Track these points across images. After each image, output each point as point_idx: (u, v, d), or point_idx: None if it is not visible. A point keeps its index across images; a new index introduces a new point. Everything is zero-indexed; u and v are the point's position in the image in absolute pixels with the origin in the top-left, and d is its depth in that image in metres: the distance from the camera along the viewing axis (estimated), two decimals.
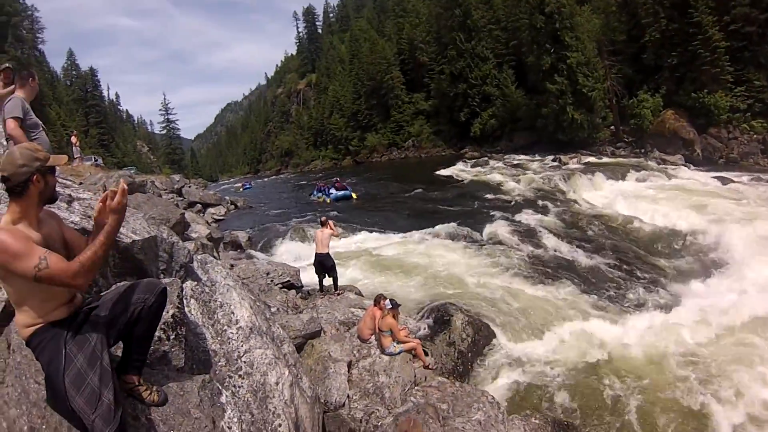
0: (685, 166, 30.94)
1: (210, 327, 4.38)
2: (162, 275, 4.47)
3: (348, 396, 7.32)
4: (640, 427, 7.64)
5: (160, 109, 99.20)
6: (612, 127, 40.99)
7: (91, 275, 2.48)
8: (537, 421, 7.27)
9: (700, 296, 12.32)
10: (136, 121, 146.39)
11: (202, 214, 26.49)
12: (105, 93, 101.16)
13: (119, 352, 2.96)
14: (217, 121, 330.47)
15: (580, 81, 39.11)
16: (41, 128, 5.92)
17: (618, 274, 14.39)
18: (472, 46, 52.75)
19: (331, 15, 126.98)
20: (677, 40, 36.53)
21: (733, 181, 25.11)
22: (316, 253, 11.61)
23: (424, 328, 10.16)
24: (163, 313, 3.26)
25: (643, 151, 36.17)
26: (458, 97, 53.80)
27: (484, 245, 16.44)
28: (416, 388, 7.75)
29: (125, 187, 2.60)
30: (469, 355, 9.48)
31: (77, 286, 2.46)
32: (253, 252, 17.77)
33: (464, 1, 53.86)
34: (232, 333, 4.50)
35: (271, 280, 11.94)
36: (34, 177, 2.47)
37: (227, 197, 35.51)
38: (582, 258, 15.47)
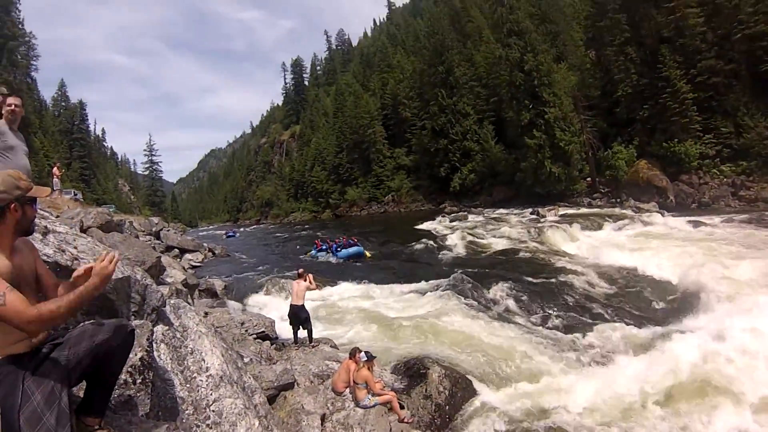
0: (659, 212, 31.19)
1: (179, 373, 4.29)
2: (133, 317, 4.38)
3: None
4: None
5: (145, 150, 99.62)
6: (588, 179, 41.86)
7: (47, 327, 2.39)
8: None
9: (678, 341, 11.76)
10: (119, 159, 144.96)
11: (179, 260, 26.15)
12: (92, 127, 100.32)
13: (82, 393, 2.83)
14: (200, 167, 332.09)
15: (557, 135, 40.22)
16: (22, 151, 5.80)
17: (596, 323, 14.13)
18: (454, 102, 54.16)
19: (318, 68, 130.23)
20: (648, 94, 38.37)
21: (705, 225, 25.60)
22: (291, 305, 11.48)
23: (400, 381, 9.96)
24: (131, 356, 3.24)
25: (618, 200, 36.92)
26: (439, 152, 54.70)
27: (462, 299, 16.08)
28: None
29: (118, 257, 2.55)
30: (447, 407, 9.23)
31: (29, 332, 2.36)
32: (228, 301, 17.27)
33: (447, 59, 55.99)
34: (201, 380, 4.41)
35: (246, 330, 11.68)
36: (12, 205, 2.41)
37: (206, 244, 34.95)
38: (561, 308, 15.36)
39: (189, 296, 13.98)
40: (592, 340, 12.78)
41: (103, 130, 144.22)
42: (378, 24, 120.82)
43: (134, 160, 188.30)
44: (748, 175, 33.30)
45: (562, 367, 10.95)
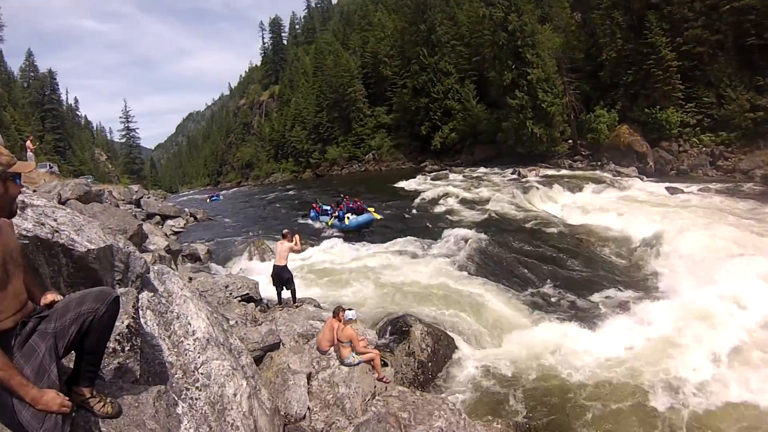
0: (638, 177, 31.85)
1: (166, 338, 4.34)
2: (117, 285, 4.34)
3: (309, 408, 7.23)
4: (600, 429, 7.91)
5: (121, 117, 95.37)
6: (570, 141, 41.96)
7: None
8: (499, 426, 7.53)
9: (648, 301, 12.64)
10: (94, 128, 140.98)
11: (160, 226, 25.84)
12: (63, 97, 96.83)
13: (72, 364, 2.80)
14: (178, 131, 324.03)
15: (540, 96, 39.98)
16: None
17: (573, 281, 14.68)
18: (435, 61, 53.25)
19: (297, 26, 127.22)
20: (632, 60, 38.16)
21: (683, 192, 26.13)
22: (274, 265, 11.53)
23: (384, 339, 10.21)
24: (118, 324, 3.27)
25: (599, 163, 37.21)
26: (420, 110, 54.07)
27: (442, 257, 16.56)
28: (377, 398, 7.76)
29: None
30: (430, 364, 9.61)
31: None
32: (212, 265, 17.48)
33: (429, 17, 54.75)
34: (188, 344, 4.47)
35: (230, 293, 11.66)
36: None
37: (187, 209, 34.22)
38: (539, 267, 15.77)
39: (172, 262, 14.49)
40: (570, 298, 13.39)
41: (75, 99, 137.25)
42: None
43: (110, 128, 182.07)
44: (727, 145, 33.59)
45: (543, 325, 11.44)
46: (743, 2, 33.71)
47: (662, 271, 15.12)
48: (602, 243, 18.58)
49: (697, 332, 10.44)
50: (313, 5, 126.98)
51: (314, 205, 26.96)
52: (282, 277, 11.43)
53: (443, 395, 8.50)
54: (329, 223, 23.89)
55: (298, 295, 11.88)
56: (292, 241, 11.72)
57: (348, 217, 22.74)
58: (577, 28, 45.85)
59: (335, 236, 21.54)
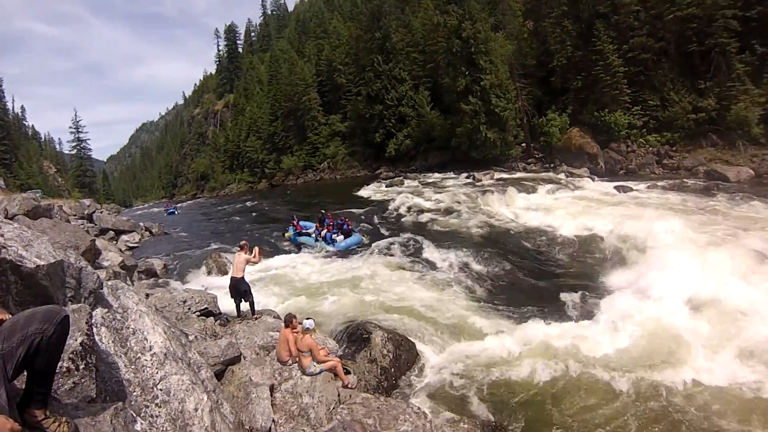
0: (590, 177, 32.94)
1: (123, 355, 4.28)
2: (69, 302, 4.21)
3: (273, 420, 7.18)
4: (561, 424, 8.12)
5: (71, 127, 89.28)
6: (523, 144, 42.74)
7: None
8: (466, 426, 7.63)
9: (605, 297, 13.02)
10: (43, 139, 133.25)
11: (114, 242, 25.66)
12: (9, 106, 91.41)
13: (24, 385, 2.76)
14: (131, 142, 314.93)
15: (493, 102, 40.33)
16: None
17: (531, 282, 15.19)
18: (390, 68, 53.17)
19: (252, 34, 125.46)
20: (582, 66, 39.56)
21: (632, 189, 27.26)
22: (231, 277, 11.60)
23: (345, 347, 10.37)
24: (71, 342, 3.25)
25: (552, 165, 38.38)
26: (374, 118, 53.75)
27: (400, 263, 16.87)
28: (341, 406, 7.82)
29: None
30: (392, 370, 9.76)
31: None
32: (169, 280, 17.39)
33: (384, 25, 54.75)
34: (146, 360, 4.43)
35: (189, 308, 11.56)
36: None
37: (142, 223, 33.43)
38: (496, 269, 16.18)
39: (128, 278, 14.50)
40: (528, 299, 13.76)
41: (22, 107, 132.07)
42: None
43: (59, 139, 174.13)
44: (671, 145, 35.79)
45: (502, 326, 11.65)
46: (685, 12, 35.68)
47: (615, 266, 15.64)
48: (557, 242, 19.06)
49: (654, 325, 10.75)
50: (269, 12, 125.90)
51: (294, 222, 23.49)
52: (239, 289, 11.43)
53: (408, 400, 8.69)
54: (318, 249, 20.71)
55: (258, 307, 11.93)
56: (250, 253, 11.65)
57: (336, 239, 20.68)
58: (529, 35, 46.89)
59: (292, 246, 21.54)
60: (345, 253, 19.25)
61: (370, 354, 9.88)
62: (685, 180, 29.48)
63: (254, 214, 36.53)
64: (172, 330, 5.27)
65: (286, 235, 23.47)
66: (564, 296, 13.59)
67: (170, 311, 10.80)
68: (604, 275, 15.23)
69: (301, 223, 23.67)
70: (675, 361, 9.43)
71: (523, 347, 10.37)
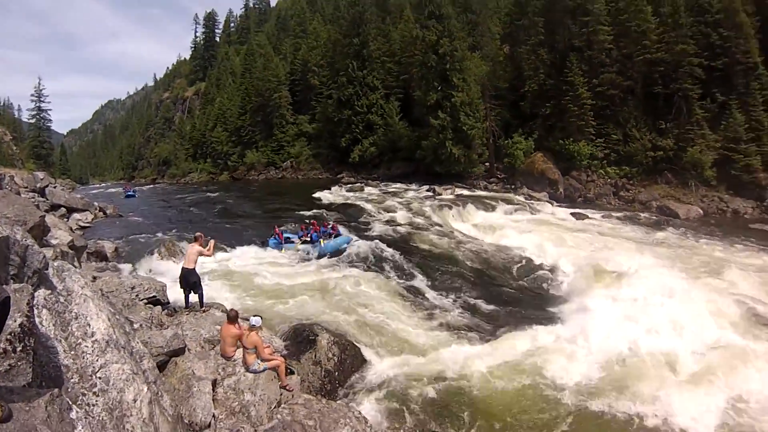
0: (549, 202, 33.73)
1: (63, 340, 4.18)
2: (12, 281, 4.04)
3: (213, 415, 7.07)
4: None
5: (32, 95, 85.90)
6: (487, 164, 43.22)
7: None
8: None
9: (547, 312, 13.79)
10: (1, 104, 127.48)
11: (65, 219, 24.71)
12: None
13: None
14: (95, 118, 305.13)
15: (461, 119, 40.65)
16: None
17: (481, 296, 15.17)
18: (364, 75, 53.08)
19: (232, 25, 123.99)
20: (552, 94, 40.57)
21: (587, 217, 28.24)
22: (183, 267, 11.35)
23: (290, 347, 10.22)
24: (10, 323, 3.16)
25: (513, 187, 38.98)
26: (342, 122, 53.49)
27: (352, 268, 16.79)
28: (282, 405, 7.83)
29: None
30: (336, 373, 9.80)
31: None
32: (119, 264, 16.76)
33: (364, 32, 54.64)
34: (87, 346, 4.32)
35: (136, 295, 11.24)
36: None
37: (96, 203, 31.98)
38: (447, 281, 16.39)
39: (76, 259, 13.88)
40: (475, 312, 13.92)
41: None
42: None
43: (19, 106, 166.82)
44: (629, 178, 37.36)
45: (448, 337, 11.87)
46: (654, 55, 37.74)
47: (563, 288, 16.31)
48: (509, 260, 19.39)
49: (592, 339, 11.29)
50: (251, 5, 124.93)
51: (276, 230, 21.32)
52: (189, 280, 11.17)
53: (350, 404, 8.61)
54: (297, 248, 19.58)
55: (207, 300, 11.75)
56: (205, 245, 11.42)
57: (322, 241, 19.61)
58: (505, 59, 47.63)
59: (247, 242, 20.93)
60: (297, 255, 19.03)
61: (315, 356, 9.89)
62: (638, 213, 30.88)
63: (214, 205, 35.55)
64: (117, 317, 5.17)
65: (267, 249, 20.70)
66: (513, 312, 13.91)
67: (117, 297, 10.45)
68: (554, 296, 15.68)
69: (286, 234, 21.31)
70: (618, 384, 9.71)
71: (469, 361, 10.47)
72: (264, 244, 20.80)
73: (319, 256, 18.73)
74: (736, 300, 13.71)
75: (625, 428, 8.62)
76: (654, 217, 29.43)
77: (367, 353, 10.69)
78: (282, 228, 21.62)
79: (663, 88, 38.15)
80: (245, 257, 18.46)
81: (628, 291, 14.16)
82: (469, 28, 56.84)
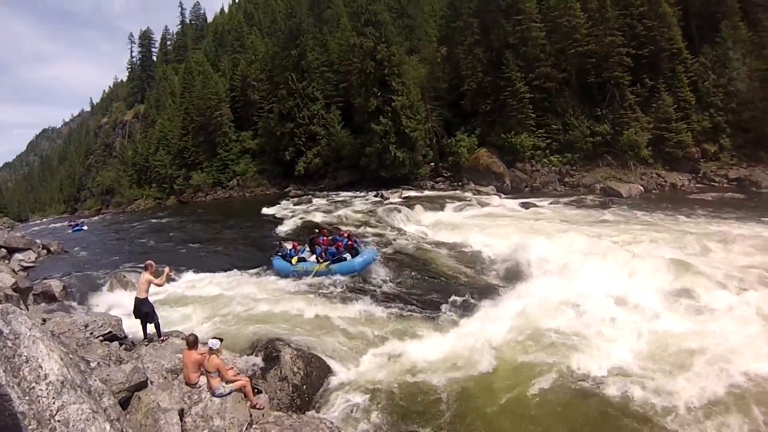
0: (496, 195, 34.74)
1: (15, 386, 4.03)
2: None
3: None
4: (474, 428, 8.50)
5: None
6: (432, 164, 43.89)
7: None
8: None
9: (508, 303, 13.46)
10: None
11: (6, 261, 23.79)
12: None
13: None
14: (29, 149, 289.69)
15: (403, 122, 40.94)
16: None
17: (436, 295, 15.24)
18: (304, 86, 52.71)
19: (168, 42, 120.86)
20: (491, 91, 41.75)
21: (535, 206, 29.30)
22: (135, 298, 11.12)
23: (254, 366, 10.12)
24: None
25: (460, 184, 39.96)
26: (285, 135, 53.01)
27: (309, 282, 16.63)
28: (254, 426, 7.77)
29: None
30: (304, 387, 9.74)
31: None
32: (69, 303, 16.16)
33: (302, 43, 54.23)
34: (41, 390, 4.18)
35: (91, 333, 10.92)
36: None
37: (39, 240, 30.38)
38: (404, 285, 16.40)
39: (21, 302, 13.15)
40: (435, 311, 13.94)
41: None
42: (237, 1, 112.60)
43: None
44: (571, 165, 39.27)
45: (408, 338, 11.96)
46: (586, 48, 39.85)
47: (519, 276, 16.38)
48: (463, 257, 19.49)
49: (549, 328, 11.37)
50: (188, 22, 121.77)
51: (294, 244, 18.33)
52: (141, 311, 10.96)
53: (321, 415, 8.75)
54: (315, 270, 16.31)
55: (166, 328, 11.61)
56: (157, 275, 11.25)
57: (345, 257, 16.79)
58: (442, 60, 48.75)
59: (200, 265, 20.30)
60: (252, 271, 18.48)
61: (281, 372, 9.78)
62: (583, 196, 32.10)
63: (164, 231, 34.53)
64: (70, 356, 5.06)
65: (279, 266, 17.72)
66: (471, 306, 13.90)
67: (71, 337, 10.19)
68: (509, 286, 15.56)
69: (289, 250, 18.38)
70: (583, 365, 9.80)
71: (431, 358, 10.69)
72: (266, 270, 17.62)
73: (348, 273, 16.48)
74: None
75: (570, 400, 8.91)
76: (599, 199, 30.88)
77: (331, 363, 10.70)
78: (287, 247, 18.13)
79: (596, 77, 40.41)
80: (202, 281, 18.10)
81: (569, 271, 14.96)
82: (405, 32, 57.65)
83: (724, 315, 11.46)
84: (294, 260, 17.31)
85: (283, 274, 16.93)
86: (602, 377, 9.33)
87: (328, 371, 10.41)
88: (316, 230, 20.38)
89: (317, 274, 15.92)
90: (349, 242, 17.29)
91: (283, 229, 27.89)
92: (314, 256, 17.43)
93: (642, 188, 34.34)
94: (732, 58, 39.42)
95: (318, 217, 29.86)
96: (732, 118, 38.44)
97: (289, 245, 18.45)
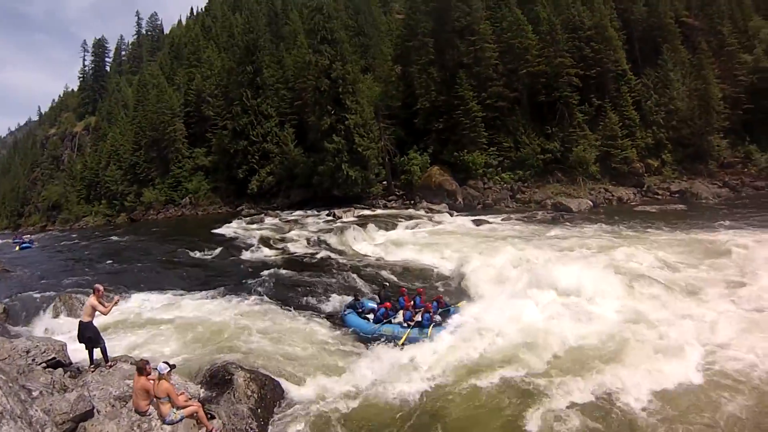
0: (449, 213, 34.77)
1: None
2: None
3: None
4: None
5: None
6: (384, 183, 44.15)
7: None
8: None
9: (462, 316, 13.54)
10: None
11: None
12: None
13: None
14: None
15: (356, 141, 41.04)
16: None
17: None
18: (258, 103, 52.25)
19: (123, 53, 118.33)
20: (444, 109, 42.54)
21: (488, 222, 29.73)
22: (79, 322, 10.55)
23: (206, 390, 9.91)
24: None
25: (412, 202, 40.41)
26: (238, 153, 52.35)
27: (260, 301, 16.71)
28: None
29: None
30: (259, 410, 9.54)
31: None
32: (10, 327, 15.45)
33: (258, 59, 53.92)
34: None
35: (33, 359, 10.28)
36: None
37: None
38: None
39: None
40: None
41: None
42: (195, 13, 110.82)
43: None
44: (523, 181, 40.64)
45: (362, 356, 12.05)
46: (536, 69, 41.74)
47: (469, 290, 16.55)
48: (414, 275, 19.64)
49: (499, 338, 11.70)
50: (144, 32, 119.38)
51: (389, 304, 14.79)
52: (84, 335, 10.36)
53: None
54: (406, 336, 13.12)
55: (114, 353, 11.24)
56: (106, 301, 10.80)
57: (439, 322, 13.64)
58: (397, 79, 49.54)
59: (150, 286, 19.71)
60: (205, 293, 17.99)
61: (234, 396, 9.53)
62: (535, 212, 33.25)
63: (114, 250, 33.15)
64: (10, 385, 5.05)
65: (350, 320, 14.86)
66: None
67: (11, 364, 9.61)
68: (456, 299, 15.63)
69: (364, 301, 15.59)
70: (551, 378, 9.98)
71: (380, 377, 10.65)
72: (338, 324, 14.82)
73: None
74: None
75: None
76: (550, 214, 31.99)
77: (285, 384, 10.57)
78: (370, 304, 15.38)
79: (546, 96, 42.12)
80: (154, 303, 17.54)
81: (516, 284, 15.38)
82: (361, 50, 58.01)
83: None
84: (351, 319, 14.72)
85: (363, 333, 13.93)
86: (529, 388, 9.66)
87: (282, 393, 10.28)
88: (386, 284, 17.81)
89: (409, 340, 13.13)
90: (439, 305, 14.61)
91: (230, 247, 27.45)
92: (396, 318, 14.53)
93: (591, 203, 35.93)
94: (672, 79, 42.64)
95: (271, 236, 29.55)
96: (673, 134, 41.86)
97: (371, 303, 15.49)
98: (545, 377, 9.92)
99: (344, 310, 15.04)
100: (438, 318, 13.79)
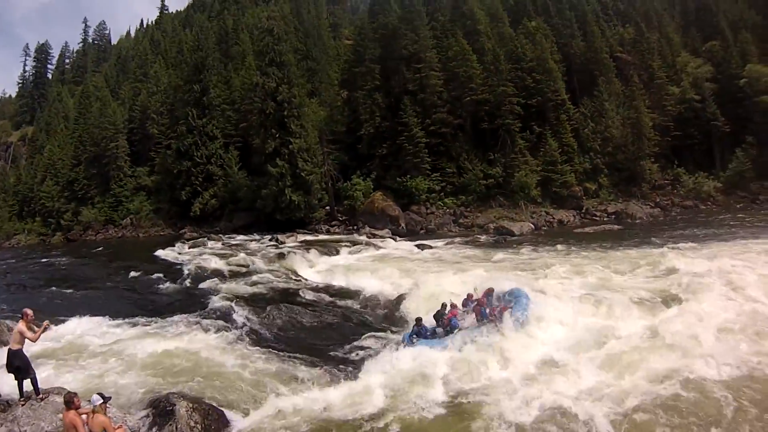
0: (392, 238, 35.44)
1: None
2: None
3: None
4: None
5: None
6: (327, 208, 44.29)
7: None
8: None
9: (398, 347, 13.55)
10: None
11: None
12: None
13: None
14: None
15: (300, 165, 41.02)
16: None
17: (331, 338, 15.68)
18: (204, 123, 51.16)
19: (66, 60, 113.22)
20: (388, 135, 43.32)
21: (430, 247, 30.23)
22: (8, 350, 9.89)
23: (146, 422, 9.59)
24: None
25: (355, 227, 40.52)
26: (182, 174, 50.93)
27: (204, 327, 16.15)
28: None
29: None
30: None
31: None
32: None
33: (206, 78, 53.05)
34: None
35: None
36: None
37: None
38: (301, 330, 16.55)
39: None
40: (333, 353, 14.22)
41: None
42: (145, 26, 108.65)
43: None
44: (466, 206, 41.82)
45: (305, 383, 11.83)
46: (479, 96, 43.33)
47: (410, 314, 16.33)
48: (358, 299, 19.86)
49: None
50: (90, 41, 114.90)
51: (454, 312, 14.23)
52: (12, 365, 9.63)
53: None
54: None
55: (47, 384, 10.48)
56: (36, 327, 10.03)
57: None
58: (342, 104, 50.05)
59: (86, 311, 18.26)
60: (145, 320, 17.24)
61: (176, 427, 9.24)
62: (478, 236, 34.38)
63: (49, 272, 31.84)
64: None
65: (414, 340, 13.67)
66: (365, 348, 14.29)
67: None
68: (397, 325, 16.18)
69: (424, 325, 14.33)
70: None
71: (330, 399, 10.69)
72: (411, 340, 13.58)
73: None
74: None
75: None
76: (492, 238, 33.11)
77: (229, 414, 10.32)
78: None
79: (489, 123, 43.50)
80: (90, 329, 16.57)
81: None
82: (308, 74, 57.99)
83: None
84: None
85: (441, 350, 12.81)
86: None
87: (227, 423, 10.04)
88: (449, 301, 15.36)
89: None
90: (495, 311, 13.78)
91: (170, 272, 26.72)
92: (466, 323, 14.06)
93: (533, 225, 37.39)
94: (608, 108, 45.88)
95: (214, 261, 28.84)
96: (608, 159, 44.93)
97: (429, 326, 14.35)
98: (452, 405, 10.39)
99: (409, 339, 13.66)
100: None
